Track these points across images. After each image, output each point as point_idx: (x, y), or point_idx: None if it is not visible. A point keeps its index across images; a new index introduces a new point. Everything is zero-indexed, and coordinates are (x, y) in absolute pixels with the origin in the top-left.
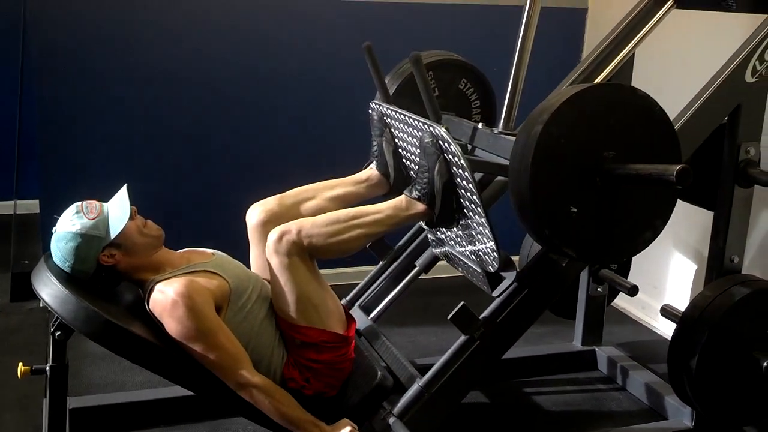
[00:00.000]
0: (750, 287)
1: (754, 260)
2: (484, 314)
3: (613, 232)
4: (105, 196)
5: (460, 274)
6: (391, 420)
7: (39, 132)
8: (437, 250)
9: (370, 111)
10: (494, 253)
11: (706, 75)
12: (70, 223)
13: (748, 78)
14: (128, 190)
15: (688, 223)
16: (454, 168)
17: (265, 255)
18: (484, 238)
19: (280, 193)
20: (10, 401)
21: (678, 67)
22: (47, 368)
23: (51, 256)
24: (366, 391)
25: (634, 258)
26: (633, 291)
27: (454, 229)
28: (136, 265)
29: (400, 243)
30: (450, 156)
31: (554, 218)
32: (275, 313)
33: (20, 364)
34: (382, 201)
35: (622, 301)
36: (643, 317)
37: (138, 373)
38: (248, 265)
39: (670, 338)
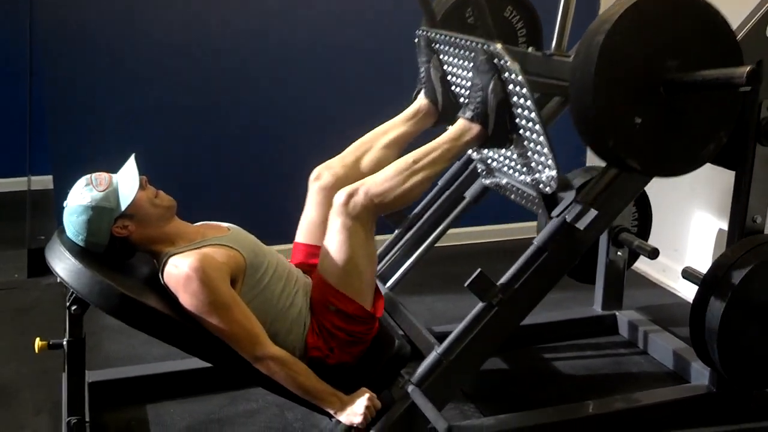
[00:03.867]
0: None
1: None
2: (502, 280)
3: (677, 144)
4: (118, 168)
5: (477, 241)
6: (410, 388)
7: (49, 108)
8: (487, 181)
9: (416, 39)
10: (552, 172)
11: None
12: (80, 196)
13: None
14: (140, 161)
15: (709, 183)
16: (511, 86)
17: (323, 216)
18: (542, 157)
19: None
20: (29, 376)
21: None
22: (64, 343)
23: (64, 230)
24: (384, 359)
25: (654, 220)
26: (654, 254)
27: (508, 152)
28: (151, 236)
29: (416, 211)
30: (506, 74)
31: (618, 129)
32: (315, 276)
33: (37, 339)
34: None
35: (642, 264)
36: (664, 280)
37: (156, 346)
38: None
39: (691, 301)
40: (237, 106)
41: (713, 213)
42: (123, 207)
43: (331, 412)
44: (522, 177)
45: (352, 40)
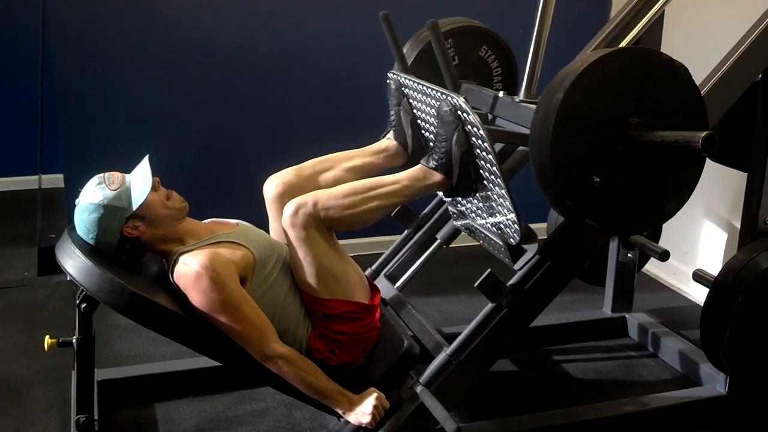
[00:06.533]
0: None
1: None
2: (512, 281)
3: (637, 202)
4: (129, 168)
5: None
6: (419, 389)
7: (61, 106)
8: (458, 223)
9: (387, 81)
10: (515, 225)
11: (741, 30)
12: (92, 194)
13: None
14: (151, 161)
15: (721, 185)
16: (474, 138)
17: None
18: (505, 210)
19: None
20: (39, 374)
21: (714, 19)
22: (74, 341)
23: (74, 228)
24: (393, 360)
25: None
26: (664, 256)
27: (474, 200)
28: (160, 236)
29: (425, 211)
30: (469, 126)
31: (576, 188)
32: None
33: (47, 336)
34: (400, 171)
35: (652, 266)
36: (675, 283)
37: (166, 345)
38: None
39: (702, 304)
40: (249, 105)
41: (725, 215)
42: (134, 207)
43: (340, 411)
44: (488, 226)
45: (362, 41)
